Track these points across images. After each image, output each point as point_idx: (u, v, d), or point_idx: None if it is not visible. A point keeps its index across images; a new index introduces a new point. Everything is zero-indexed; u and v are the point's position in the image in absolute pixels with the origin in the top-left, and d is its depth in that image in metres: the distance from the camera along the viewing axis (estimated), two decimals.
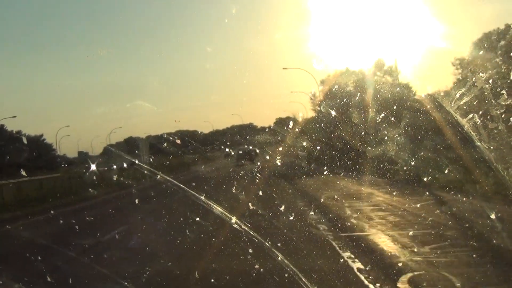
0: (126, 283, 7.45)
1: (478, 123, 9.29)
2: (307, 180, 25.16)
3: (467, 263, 7.73)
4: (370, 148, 23.98)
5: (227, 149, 66.68)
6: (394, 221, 11.93)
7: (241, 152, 51.75)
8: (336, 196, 17.37)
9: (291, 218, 12.40)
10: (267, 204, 14.85)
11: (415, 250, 8.73)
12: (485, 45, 33.47)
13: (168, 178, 11.07)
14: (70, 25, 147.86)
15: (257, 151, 52.18)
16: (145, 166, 17.11)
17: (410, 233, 10.11)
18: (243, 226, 7.72)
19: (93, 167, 38.14)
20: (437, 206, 13.70)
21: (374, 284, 6.91)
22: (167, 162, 41.87)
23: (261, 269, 7.52)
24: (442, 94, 20.64)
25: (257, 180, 23.81)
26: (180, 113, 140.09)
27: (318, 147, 32.28)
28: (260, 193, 16.87)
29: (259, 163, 40.62)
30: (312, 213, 14.17)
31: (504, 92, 9.87)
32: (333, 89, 34.97)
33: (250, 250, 8.19)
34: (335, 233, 10.92)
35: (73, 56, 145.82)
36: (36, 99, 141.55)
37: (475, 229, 9.96)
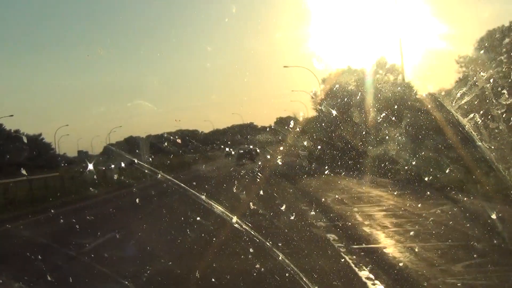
0: (126, 283, 7.44)
1: (479, 122, 9.27)
2: (308, 180, 25.08)
3: None
4: (371, 148, 23.96)
5: (227, 149, 66.51)
6: (412, 230, 10.67)
7: (241, 151, 51.75)
8: (341, 198, 16.57)
9: (296, 226, 11.45)
10: (267, 203, 14.85)
11: (446, 268, 7.52)
12: (487, 44, 33.40)
13: (168, 177, 11.00)
14: (70, 25, 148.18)
15: (258, 150, 52.21)
16: (146, 165, 17.08)
17: (435, 245, 8.97)
18: (244, 226, 7.71)
19: (90, 166, 38.25)
20: (458, 212, 12.50)
21: None
22: (168, 162, 41.92)
23: (262, 269, 7.52)
24: (443, 93, 20.63)
25: (258, 180, 23.80)
26: (180, 113, 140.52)
27: (319, 147, 32.27)
28: (261, 192, 16.86)
29: (260, 163, 40.64)
30: (317, 218, 13.05)
31: (505, 91, 9.85)
32: (334, 88, 34.96)
33: (251, 250, 8.18)
34: (346, 244, 9.70)
35: (73, 56, 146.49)
36: (36, 98, 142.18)
37: None
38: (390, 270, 7.63)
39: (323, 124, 31.15)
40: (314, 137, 32.71)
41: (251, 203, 13.84)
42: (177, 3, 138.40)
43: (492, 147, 9.97)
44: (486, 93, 10.06)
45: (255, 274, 7.47)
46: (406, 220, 11.86)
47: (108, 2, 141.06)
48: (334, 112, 29.43)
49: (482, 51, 32.63)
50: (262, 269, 7.50)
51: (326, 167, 28.09)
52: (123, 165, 42.40)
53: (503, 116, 9.82)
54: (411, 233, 10.31)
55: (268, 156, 38.29)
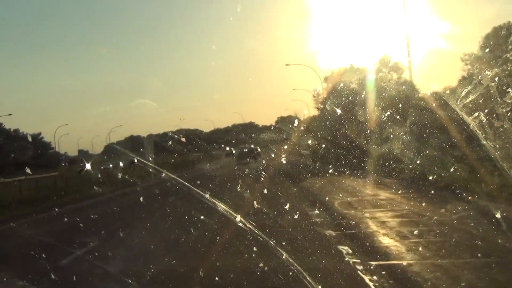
0: (130, 281, 7.45)
1: (483, 121, 9.24)
2: (313, 179, 25.01)
3: None
4: (375, 147, 23.90)
5: (227, 148, 65.85)
6: (437, 241, 9.20)
7: (243, 150, 51.64)
8: (349, 201, 15.68)
9: (304, 237, 10.08)
10: (271, 203, 14.82)
11: None
12: (492, 42, 33.26)
13: (173, 176, 10.99)
14: (70, 25, 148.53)
15: (259, 150, 52.20)
16: (150, 164, 17.12)
17: (471, 262, 7.61)
18: (247, 225, 7.69)
19: (88, 166, 38.47)
20: (484, 219, 10.67)
21: None
22: (172, 160, 41.97)
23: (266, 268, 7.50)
24: (448, 92, 20.58)
25: (262, 179, 23.75)
26: (180, 112, 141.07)
27: (324, 146, 32.22)
28: (265, 191, 16.79)
29: (264, 162, 40.57)
30: (325, 225, 11.87)
31: (510, 90, 9.81)
32: (339, 87, 34.86)
33: (255, 249, 8.17)
34: (363, 260, 8.18)
35: (73, 56, 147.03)
36: (35, 98, 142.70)
37: None
38: None
39: (327, 123, 31.09)
40: (319, 135, 32.66)
41: (255, 202, 13.81)
42: (178, 3, 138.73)
43: (497, 145, 9.93)
44: (491, 91, 10.03)
45: (258, 273, 7.46)
46: (427, 229, 10.47)
47: (108, 2, 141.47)
48: (338, 111, 29.36)
49: (487, 50, 32.52)
50: (266, 268, 7.49)
51: (330, 166, 28.02)
52: (121, 164, 42.49)
53: (508, 114, 9.78)
54: (437, 244, 8.96)
55: (273, 155, 38.23)
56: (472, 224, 10.16)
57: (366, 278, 7.10)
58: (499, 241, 8.69)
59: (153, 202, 17.97)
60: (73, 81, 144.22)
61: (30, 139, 76.75)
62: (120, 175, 33.64)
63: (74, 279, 8.29)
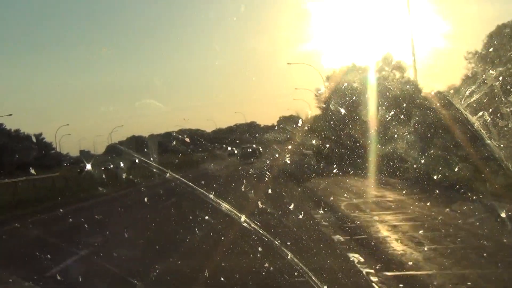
0: (135, 281, 7.47)
1: (488, 120, 9.23)
2: (318, 180, 24.97)
3: None
4: (379, 146, 23.86)
5: (229, 148, 65.59)
6: (455, 248, 8.60)
7: (245, 151, 51.70)
8: (356, 203, 15.44)
9: (310, 243, 9.58)
10: (276, 203, 14.81)
11: None
12: (496, 42, 33.14)
13: (177, 176, 11.01)
14: (70, 25, 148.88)
15: (261, 149, 52.28)
16: (154, 164, 17.13)
17: (496, 272, 7.00)
18: (252, 225, 7.70)
19: (88, 166, 38.64)
20: (502, 223, 9.67)
21: None
22: (176, 160, 41.97)
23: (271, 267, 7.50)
24: (452, 91, 20.56)
25: (266, 179, 23.74)
26: (182, 112, 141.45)
27: (327, 145, 32.17)
28: (270, 191, 16.77)
29: (268, 161, 40.53)
30: (332, 229, 11.34)
31: None
32: (343, 87, 34.81)
33: (260, 249, 8.17)
34: (377, 270, 7.55)
35: (74, 56, 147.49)
36: (36, 98, 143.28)
37: None
38: None
39: (331, 122, 31.05)
40: (322, 135, 32.62)
41: (259, 202, 13.79)
42: (179, 3, 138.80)
43: (502, 145, 9.91)
44: (495, 91, 10.01)
45: (264, 273, 7.47)
46: (442, 234, 9.92)
47: (108, 2, 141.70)
48: (342, 110, 29.31)
49: (491, 49, 32.41)
50: (271, 268, 7.49)
51: (335, 166, 27.98)
52: (121, 164, 42.54)
53: None
54: (456, 252, 8.34)
55: (277, 155, 38.16)
56: (490, 229, 9.58)
57: None
58: None
59: (157, 203, 18.00)
60: (73, 81, 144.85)
61: (34, 139, 76.95)
62: (124, 176, 33.68)
63: (80, 279, 8.32)
